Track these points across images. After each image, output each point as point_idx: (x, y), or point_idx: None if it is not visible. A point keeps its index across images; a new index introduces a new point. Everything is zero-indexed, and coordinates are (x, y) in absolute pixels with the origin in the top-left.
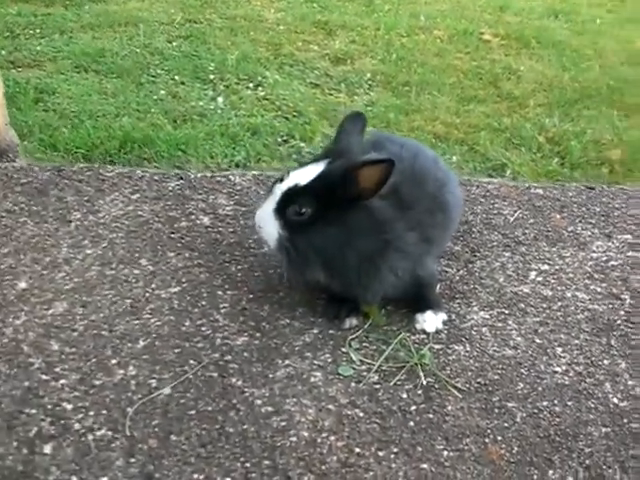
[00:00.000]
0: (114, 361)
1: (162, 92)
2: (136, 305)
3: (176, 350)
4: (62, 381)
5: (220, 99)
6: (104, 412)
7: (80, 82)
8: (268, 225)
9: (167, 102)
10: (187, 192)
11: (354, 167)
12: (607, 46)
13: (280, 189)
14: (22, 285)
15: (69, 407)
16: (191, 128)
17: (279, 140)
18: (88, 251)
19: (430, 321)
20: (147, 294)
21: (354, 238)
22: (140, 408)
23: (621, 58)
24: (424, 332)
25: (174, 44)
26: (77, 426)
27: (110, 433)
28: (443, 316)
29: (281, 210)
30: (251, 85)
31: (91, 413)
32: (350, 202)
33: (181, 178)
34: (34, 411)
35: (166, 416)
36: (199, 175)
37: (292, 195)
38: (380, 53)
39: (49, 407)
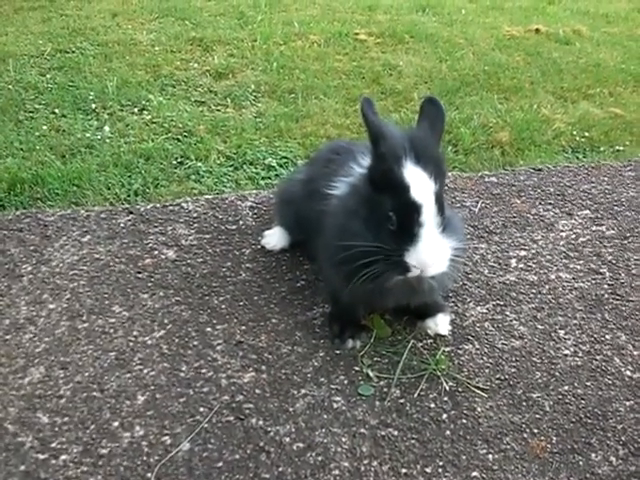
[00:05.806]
0: (116, 423)
1: (44, 127)
2: (122, 357)
3: (181, 399)
4: (63, 457)
5: (106, 128)
6: None
7: None
8: (442, 252)
9: (51, 137)
10: (141, 226)
11: None
12: (476, 34)
13: (427, 206)
14: None
15: None
16: (81, 161)
17: (174, 162)
18: (51, 306)
19: (442, 324)
20: (131, 343)
21: None
22: (161, 471)
23: (490, 44)
24: (438, 336)
25: (48, 76)
26: None
27: None
28: (449, 317)
29: (441, 227)
30: (136, 110)
31: None
32: None
33: (131, 212)
34: None
35: (193, 474)
36: (149, 207)
37: (438, 204)
38: (260, 64)
39: None
